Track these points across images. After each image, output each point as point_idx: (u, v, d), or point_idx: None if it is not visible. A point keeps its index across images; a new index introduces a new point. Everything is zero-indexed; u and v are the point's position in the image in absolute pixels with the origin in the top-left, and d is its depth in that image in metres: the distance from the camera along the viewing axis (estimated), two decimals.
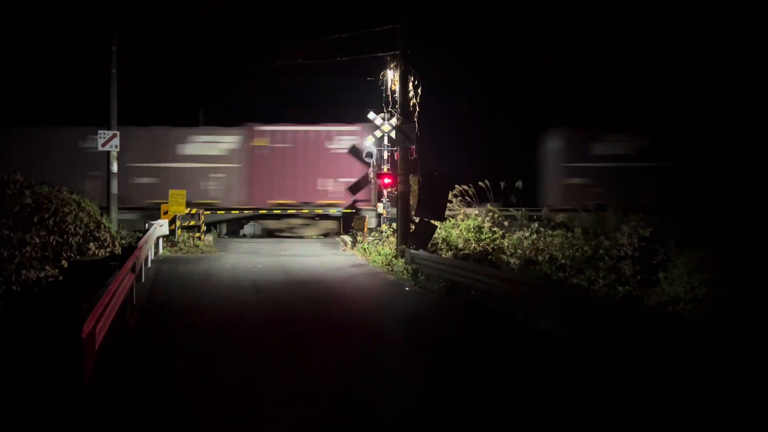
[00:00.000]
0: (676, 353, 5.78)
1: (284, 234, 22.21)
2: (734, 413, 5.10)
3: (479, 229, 15.70)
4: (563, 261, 11.80)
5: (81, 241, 14.58)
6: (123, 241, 15.55)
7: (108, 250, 14.88)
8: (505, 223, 16.33)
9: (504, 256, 13.38)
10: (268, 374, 6.48)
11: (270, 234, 22.36)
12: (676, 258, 10.21)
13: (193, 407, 5.49)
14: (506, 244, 14.47)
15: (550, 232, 13.85)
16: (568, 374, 6.51)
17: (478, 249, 14.61)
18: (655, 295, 9.72)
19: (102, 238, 15.04)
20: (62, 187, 15.53)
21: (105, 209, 17.42)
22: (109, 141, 17.66)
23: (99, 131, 17.73)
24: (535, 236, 13.91)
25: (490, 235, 15.43)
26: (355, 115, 21.87)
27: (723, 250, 9.60)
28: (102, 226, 15.31)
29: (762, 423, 4.91)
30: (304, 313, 9.80)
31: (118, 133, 17.78)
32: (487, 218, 16.21)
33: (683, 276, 9.51)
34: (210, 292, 11.40)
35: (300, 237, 22.13)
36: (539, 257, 12.39)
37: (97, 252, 14.73)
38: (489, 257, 13.73)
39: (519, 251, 13.33)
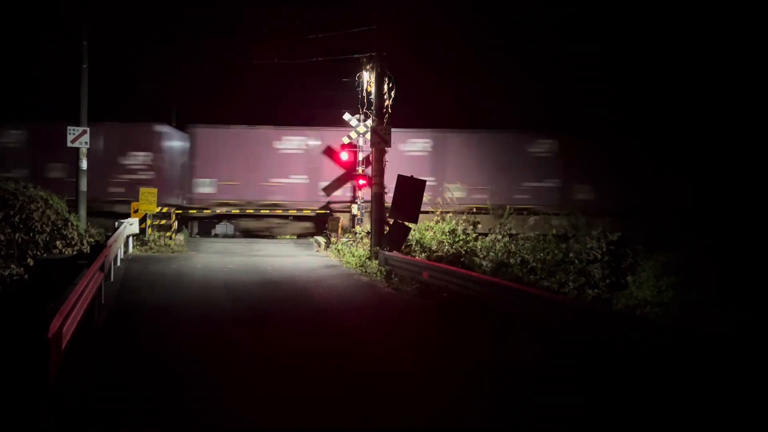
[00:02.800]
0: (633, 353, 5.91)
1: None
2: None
3: (453, 231, 15.80)
4: (534, 264, 11.96)
5: (48, 239, 14.29)
6: (92, 240, 15.26)
7: (76, 248, 14.60)
8: (479, 226, 16.48)
9: (477, 259, 13.50)
10: (237, 385, 6.40)
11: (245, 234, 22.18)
12: (644, 261, 10.42)
13: (157, 413, 5.42)
14: (479, 247, 14.59)
15: (522, 234, 14.02)
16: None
17: (452, 251, 14.70)
18: (623, 298, 9.91)
19: (69, 236, 14.75)
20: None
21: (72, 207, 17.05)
22: (78, 137, 17.30)
23: (69, 127, 17.36)
24: (507, 239, 14.06)
25: (464, 237, 15.54)
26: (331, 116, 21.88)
27: (689, 253, 9.83)
28: (70, 224, 15.01)
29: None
30: (277, 314, 9.74)
31: (88, 129, 17.42)
32: (461, 221, 16.34)
33: (651, 279, 9.71)
34: (181, 293, 11.26)
35: (273, 237, 22.00)
36: (511, 260, 12.53)
37: (64, 250, 14.44)
38: (462, 260, 13.83)
39: (492, 254, 13.46)
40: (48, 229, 14.37)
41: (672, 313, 8.79)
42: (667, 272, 9.62)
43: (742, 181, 15.50)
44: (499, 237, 14.33)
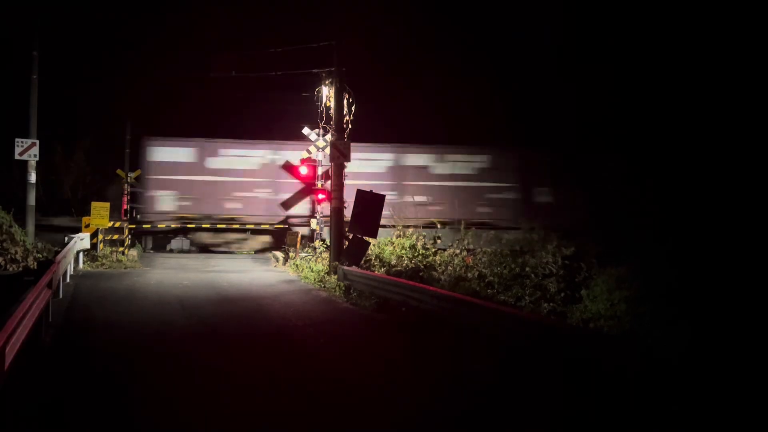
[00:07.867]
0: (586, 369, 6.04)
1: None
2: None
3: (413, 246, 15.84)
4: (491, 278, 12.07)
5: None
6: (40, 255, 14.70)
7: (21, 264, 14.06)
8: (438, 241, 16.56)
9: (435, 273, 13.56)
10: (189, 405, 6.23)
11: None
12: (597, 275, 10.64)
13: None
14: (438, 261, 14.66)
15: (479, 249, 14.16)
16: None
17: (411, 266, 14.73)
18: (578, 311, 10.08)
19: (13, 252, 14.20)
20: None
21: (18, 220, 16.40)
22: (27, 150, 16.75)
23: (17, 139, 16.79)
24: (465, 253, 14.18)
25: (423, 252, 15.60)
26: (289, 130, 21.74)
27: (640, 267, 10.09)
28: (14, 238, 14.45)
29: None
30: (233, 332, 9.55)
31: (37, 141, 16.89)
32: (420, 236, 16.40)
33: (604, 293, 9.91)
34: (133, 310, 10.94)
35: (231, 252, 21.65)
36: (469, 274, 12.63)
37: (8, 267, 13.89)
38: (421, 274, 13.87)
39: (450, 268, 13.55)
40: None
41: (624, 326, 8.99)
42: (619, 286, 9.85)
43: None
44: (457, 251, 14.44)
